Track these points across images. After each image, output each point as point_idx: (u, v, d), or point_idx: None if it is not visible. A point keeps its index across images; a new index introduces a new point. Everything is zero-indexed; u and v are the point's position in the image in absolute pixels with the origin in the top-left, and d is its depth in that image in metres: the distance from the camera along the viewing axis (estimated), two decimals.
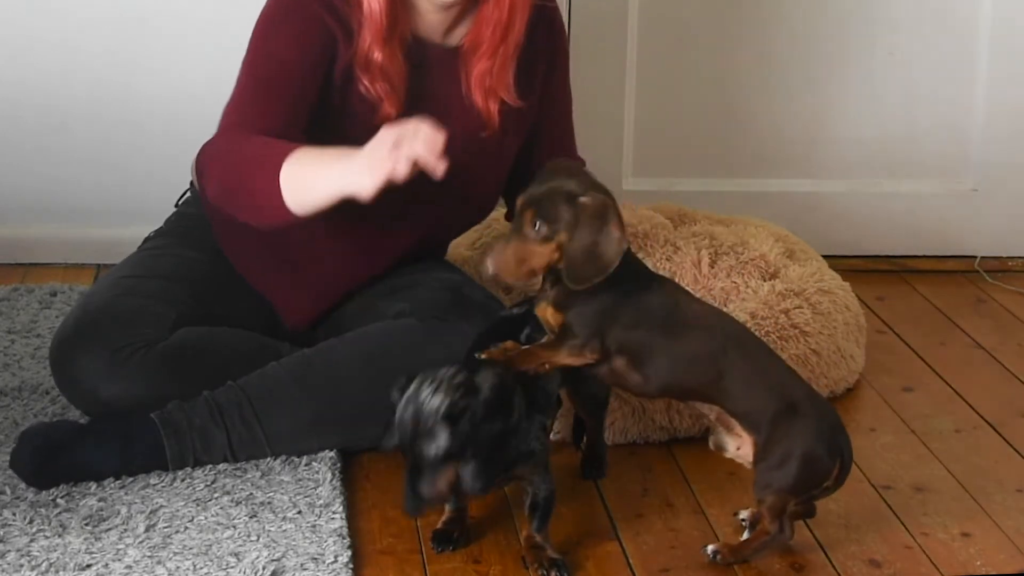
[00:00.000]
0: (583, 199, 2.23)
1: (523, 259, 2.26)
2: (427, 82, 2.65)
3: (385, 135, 2.30)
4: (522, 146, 2.78)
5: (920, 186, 3.80)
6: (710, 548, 2.38)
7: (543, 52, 2.73)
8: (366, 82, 2.59)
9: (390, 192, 2.32)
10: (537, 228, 2.24)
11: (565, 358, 2.31)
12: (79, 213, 3.60)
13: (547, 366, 2.32)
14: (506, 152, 2.74)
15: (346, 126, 2.60)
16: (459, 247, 3.13)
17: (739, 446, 2.37)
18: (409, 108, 2.59)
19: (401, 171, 2.27)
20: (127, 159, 3.56)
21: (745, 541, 2.38)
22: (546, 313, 2.31)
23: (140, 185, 3.53)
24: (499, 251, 2.27)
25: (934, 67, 3.73)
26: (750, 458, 2.35)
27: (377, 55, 2.57)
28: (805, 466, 2.30)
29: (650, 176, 3.71)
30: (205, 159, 2.55)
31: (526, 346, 2.33)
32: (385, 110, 2.59)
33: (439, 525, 2.42)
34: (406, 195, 2.42)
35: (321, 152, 2.40)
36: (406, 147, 2.26)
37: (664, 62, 3.68)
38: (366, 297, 2.77)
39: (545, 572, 2.33)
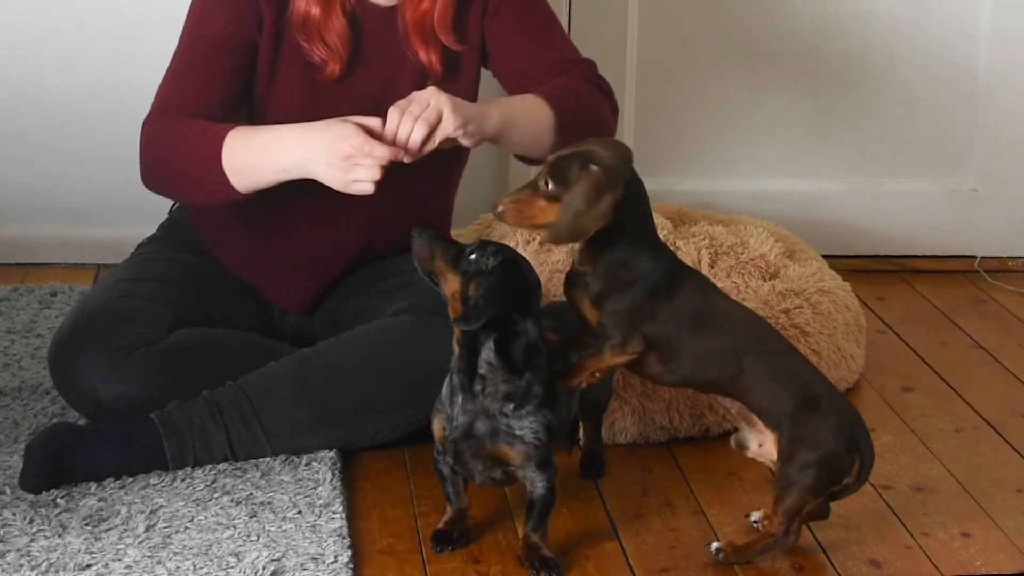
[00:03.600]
0: (594, 167, 2.24)
1: (526, 210, 2.27)
2: (367, 43, 2.68)
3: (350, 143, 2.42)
4: (508, 70, 2.74)
5: (920, 186, 3.80)
6: (714, 546, 2.38)
7: None
8: (304, 44, 2.64)
9: None
10: (548, 185, 2.26)
11: (610, 360, 2.32)
12: (79, 213, 3.60)
13: (598, 374, 2.34)
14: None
15: (280, 90, 2.67)
16: None
17: (761, 443, 2.37)
18: (350, 69, 2.66)
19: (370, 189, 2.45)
20: (128, 159, 3.53)
21: (750, 542, 2.38)
22: (583, 305, 2.31)
23: (140, 185, 3.52)
24: (512, 196, 2.29)
25: (934, 67, 3.73)
26: (772, 456, 2.35)
27: (314, 11, 2.62)
28: (825, 465, 2.30)
29: (650, 176, 3.68)
30: (141, 145, 2.66)
31: (574, 360, 2.33)
32: (329, 68, 2.66)
33: (440, 525, 2.42)
34: None
35: (256, 133, 2.54)
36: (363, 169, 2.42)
37: (664, 62, 3.68)
38: (365, 298, 2.77)
39: (535, 572, 2.32)
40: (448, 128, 2.45)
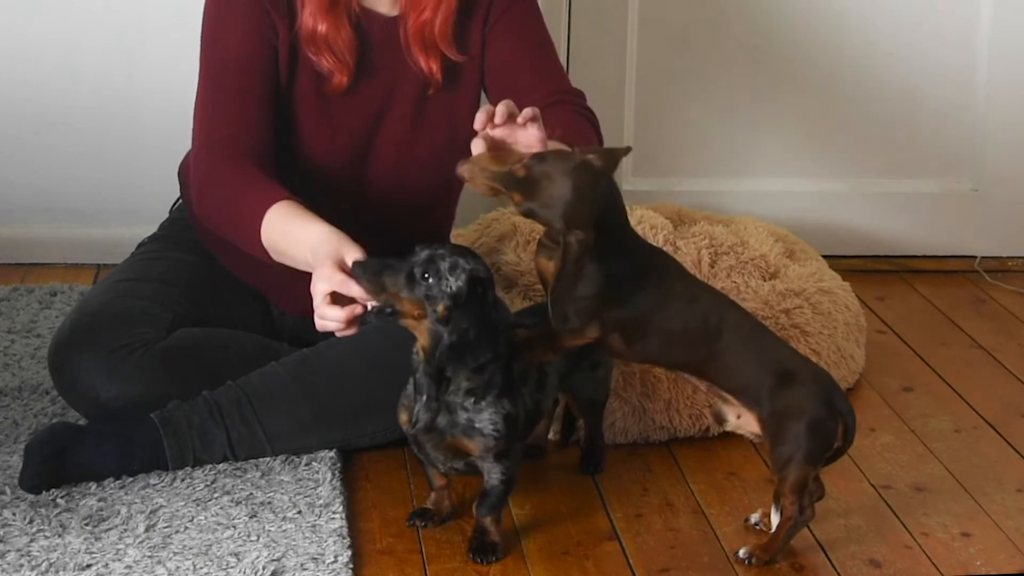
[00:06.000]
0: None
1: (489, 174, 2.27)
2: (372, 53, 2.67)
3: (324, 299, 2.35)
4: (502, 88, 2.73)
5: (920, 186, 3.80)
6: (742, 552, 2.39)
7: (481, 3, 2.71)
8: (312, 56, 2.63)
9: (348, 177, 2.48)
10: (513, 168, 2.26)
11: (567, 341, 2.35)
12: (79, 213, 3.60)
13: (553, 353, 2.37)
14: (459, 112, 2.73)
15: (296, 99, 2.66)
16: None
17: (738, 415, 2.38)
18: (356, 80, 2.65)
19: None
20: (128, 159, 3.56)
21: (773, 535, 2.39)
22: (549, 277, 2.32)
23: (140, 185, 3.53)
24: (480, 157, 2.30)
25: (934, 67, 3.73)
26: (751, 428, 2.37)
27: (321, 27, 2.61)
28: (813, 432, 2.32)
29: (650, 176, 3.71)
30: (193, 187, 2.64)
31: (530, 334, 2.37)
32: (337, 79, 2.64)
33: (426, 504, 2.47)
34: (366, 175, 2.55)
35: (294, 223, 2.45)
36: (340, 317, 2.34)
37: (664, 62, 3.68)
38: None
39: (471, 554, 2.37)
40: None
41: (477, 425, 2.33)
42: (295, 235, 2.44)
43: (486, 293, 2.29)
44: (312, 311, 2.81)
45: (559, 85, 2.75)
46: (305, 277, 2.78)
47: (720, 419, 2.42)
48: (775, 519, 2.41)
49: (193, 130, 2.65)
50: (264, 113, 2.63)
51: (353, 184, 2.70)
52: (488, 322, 2.28)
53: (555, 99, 2.69)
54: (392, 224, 2.74)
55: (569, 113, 2.67)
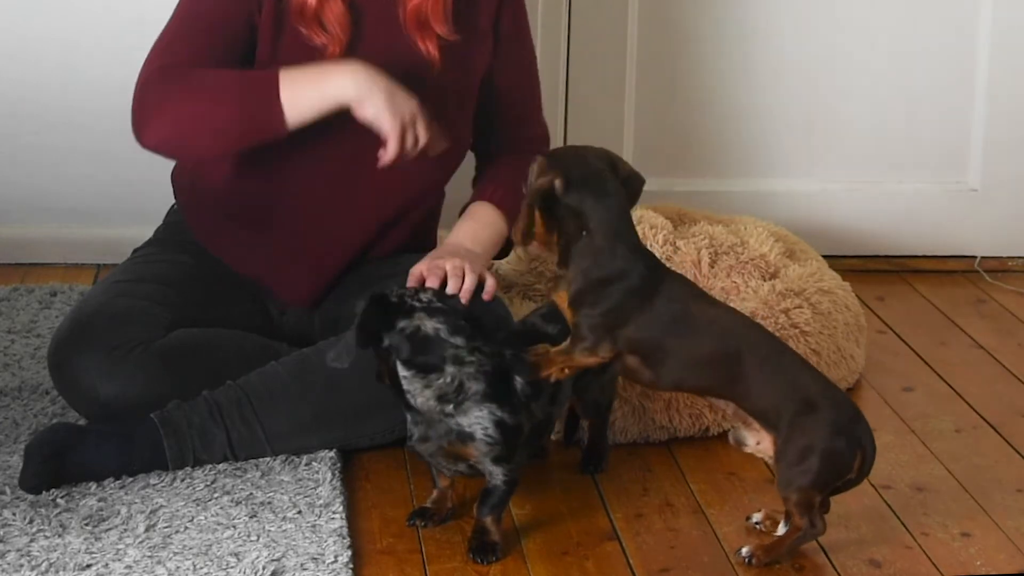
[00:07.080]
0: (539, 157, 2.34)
1: (527, 224, 2.34)
2: (367, 31, 2.66)
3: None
4: (481, 106, 2.78)
5: (920, 186, 3.80)
6: (744, 550, 2.38)
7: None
8: (304, 31, 2.62)
9: (347, 152, 2.54)
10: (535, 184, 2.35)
11: (580, 360, 2.34)
12: (79, 213, 3.60)
13: (567, 371, 2.36)
14: (465, 91, 2.73)
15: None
16: None
17: (758, 440, 2.38)
18: (350, 55, 2.64)
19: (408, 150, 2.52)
20: (127, 159, 3.54)
21: (779, 539, 2.38)
22: (563, 303, 2.35)
23: (140, 185, 3.52)
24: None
25: (934, 67, 3.73)
26: (770, 453, 2.36)
27: (311, 0, 2.60)
28: (825, 461, 2.31)
29: (650, 176, 3.66)
30: (152, 100, 2.63)
31: (543, 350, 2.36)
32: (330, 51, 2.63)
33: (426, 503, 2.48)
34: (364, 149, 2.55)
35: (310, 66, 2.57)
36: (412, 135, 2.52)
37: (664, 62, 3.68)
38: None
39: (471, 554, 2.37)
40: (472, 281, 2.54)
41: (467, 430, 2.33)
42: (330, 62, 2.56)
43: (375, 304, 2.31)
44: (310, 299, 2.81)
45: (529, 132, 2.84)
46: (303, 261, 2.78)
47: (740, 443, 2.41)
48: (782, 530, 2.41)
49: (145, 62, 2.66)
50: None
51: (351, 167, 2.68)
52: (362, 325, 2.30)
53: (518, 147, 2.78)
54: (387, 207, 2.74)
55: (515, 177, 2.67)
